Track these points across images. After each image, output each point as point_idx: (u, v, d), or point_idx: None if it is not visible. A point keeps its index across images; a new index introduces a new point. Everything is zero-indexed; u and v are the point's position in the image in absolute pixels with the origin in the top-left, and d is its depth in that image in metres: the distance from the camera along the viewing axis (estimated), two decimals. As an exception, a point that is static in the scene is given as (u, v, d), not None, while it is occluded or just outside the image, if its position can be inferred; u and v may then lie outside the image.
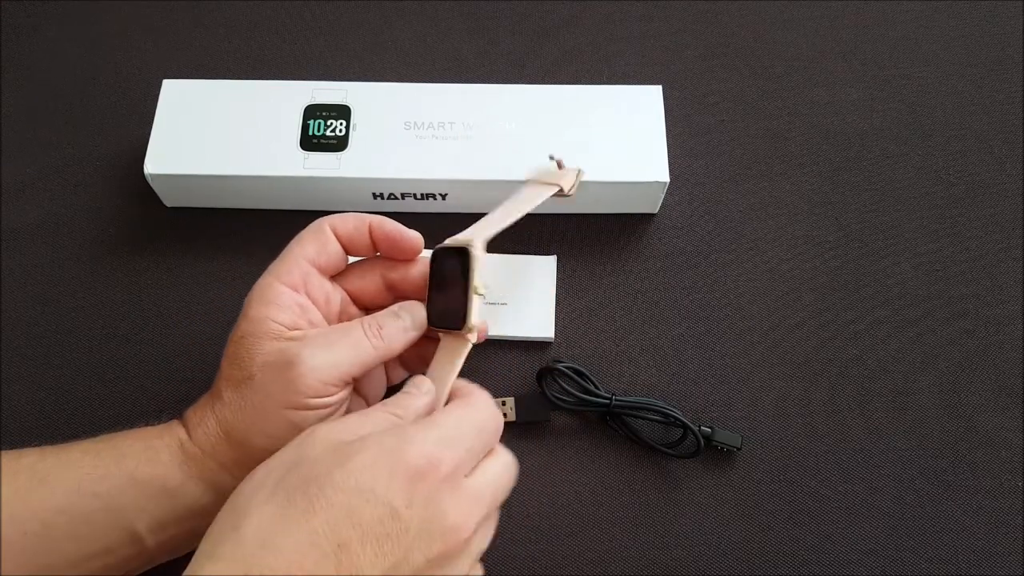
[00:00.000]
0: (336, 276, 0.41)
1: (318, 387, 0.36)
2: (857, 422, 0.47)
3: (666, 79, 0.56)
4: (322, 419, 0.36)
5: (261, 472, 0.32)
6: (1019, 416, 0.48)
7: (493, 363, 0.49)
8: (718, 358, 0.49)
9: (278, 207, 0.52)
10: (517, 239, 0.52)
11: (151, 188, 0.51)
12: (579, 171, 0.47)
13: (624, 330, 0.50)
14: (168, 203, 0.53)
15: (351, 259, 0.41)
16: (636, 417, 0.46)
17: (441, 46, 0.59)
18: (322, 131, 0.50)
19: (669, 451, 0.46)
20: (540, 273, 0.51)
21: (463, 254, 0.39)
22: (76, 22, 0.60)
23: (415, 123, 0.51)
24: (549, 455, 0.47)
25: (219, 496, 0.36)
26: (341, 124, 0.50)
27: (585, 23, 0.60)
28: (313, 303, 0.39)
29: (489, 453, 0.35)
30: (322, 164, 0.49)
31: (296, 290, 0.38)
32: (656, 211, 0.53)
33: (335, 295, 0.40)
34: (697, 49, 0.59)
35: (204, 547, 0.30)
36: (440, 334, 0.40)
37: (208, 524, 0.34)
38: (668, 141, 0.50)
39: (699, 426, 0.45)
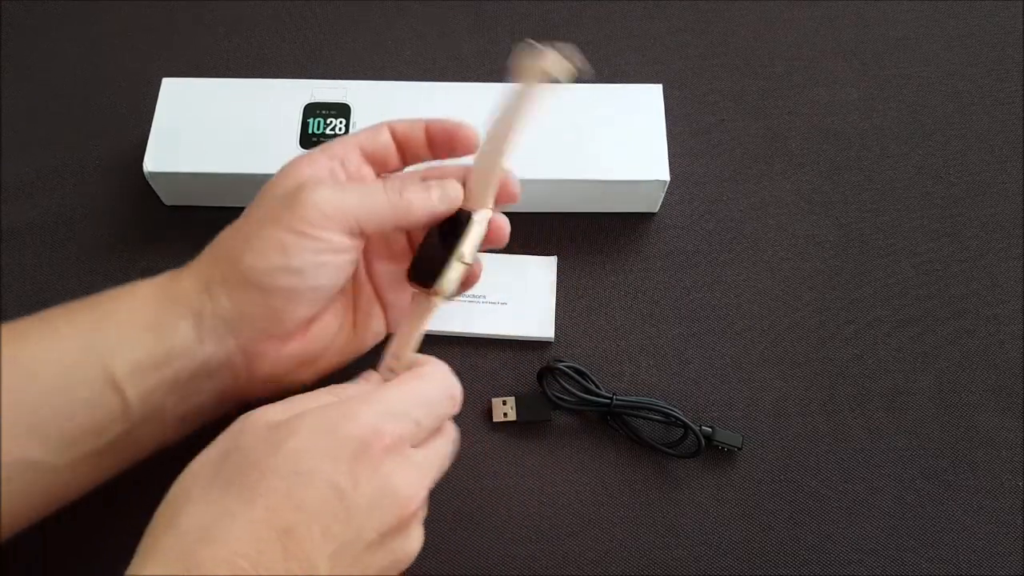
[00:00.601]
0: None
1: (319, 217, 0.34)
2: (857, 421, 0.47)
3: (666, 78, 0.56)
4: (317, 260, 0.35)
5: (197, 463, 0.31)
6: (1019, 416, 0.48)
7: (493, 363, 0.49)
8: (718, 357, 0.49)
9: (278, 206, 0.52)
10: (517, 239, 0.52)
11: (150, 187, 0.51)
12: (570, 51, 0.39)
13: (624, 330, 0.50)
14: (167, 201, 0.52)
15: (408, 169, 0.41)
16: (637, 417, 0.46)
17: (441, 45, 0.59)
18: (322, 129, 0.50)
19: (670, 451, 0.46)
20: (540, 273, 0.50)
21: (460, 218, 0.38)
22: (76, 22, 0.60)
23: (415, 122, 0.50)
24: (549, 455, 0.47)
25: (199, 329, 0.35)
26: (341, 123, 0.50)
27: (585, 22, 0.60)
28: (345, 173, 0.38)
29: (438, 429, 0.35)
30: (322, 163, 0.49)
31: (331, 159, 0.38)
32: (656, 210, 0.53)
33: (369, 174, 0.39)
34: (697, 48, 0.59)
35: (143, 544, 0.29)
36: (413, 292, 0.39)
37: (187, 370, 0.34)
38: (668, 140, 0.50)
39: (700, 426, 0.45)
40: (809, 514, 0.45)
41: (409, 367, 0.36)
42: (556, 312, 0.50)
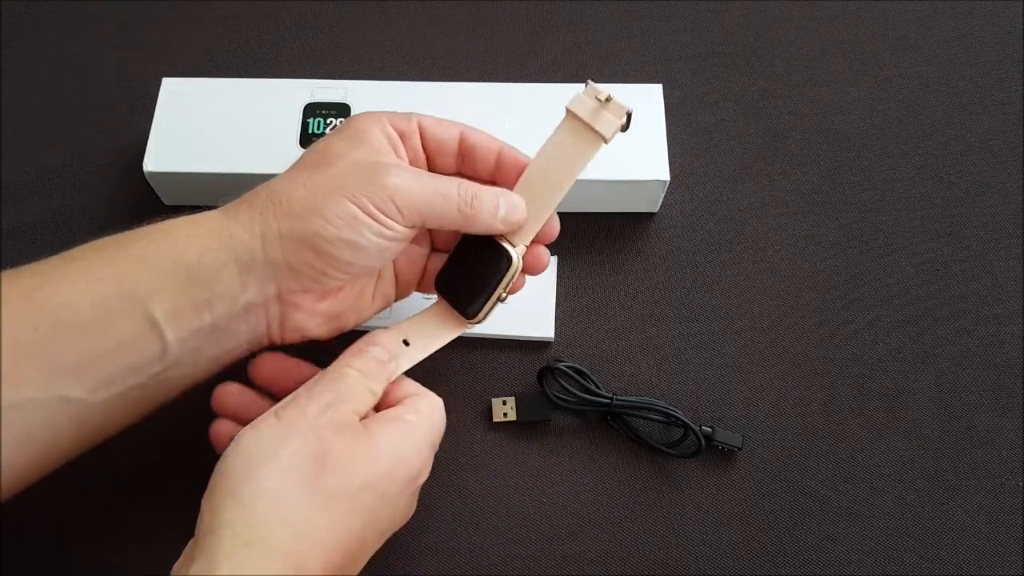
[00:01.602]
0: None
1: (393, 208, 0.35)
2: (857, 421, 0.47)
3: (667, 78, 0.56)
4: (380, 243, 0.36)
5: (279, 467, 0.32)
6: (1019, 416, 0.48)
7: (493, 363, 0.49)
8: (718, 357, 0.49)
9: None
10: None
11: (150, 187, 0.51)
12: (628, 112, 0.39)
13: (624, 329, 0.50)
14: (168, 201, 0.52)
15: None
16: (637, 417, 0.46)
17: (441, 45, 0.59)
18: (322, 129, 0.50)
19: (670, 451, 0.46)
20: (540, 273, 0.50)
21: (504, 256, 0.39)
22: (76, 22, 0.60)
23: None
24: (549, 455, 0.47)
25: (244, 276, 0.35)
26: (341, 122, 0.50)
27: (585, 22, 0.60)
28: (407, 152, 0.40)
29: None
30: (322, 163, 0.49)
31: (396, 130, 0.39)
32: (656, 210, 0.53)
33: (422, 161, 0.41)
34: (697, 48, 0.59)
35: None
36: (439, 300, 0.40)
37: (227, 315, 0.35)
38: (668, 140, 0.50)
39: (700, 426, 0.45)
40: (809, 514, 0.45)
41: (408, 395, 0.38)
42: (556, 312, 0.50)
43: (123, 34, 0.59)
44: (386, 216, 0.36)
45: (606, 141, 0.39)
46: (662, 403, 0.46)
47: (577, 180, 0.49)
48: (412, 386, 0.39)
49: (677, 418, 0.45)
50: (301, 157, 0.38)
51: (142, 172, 0.49)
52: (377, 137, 0.38)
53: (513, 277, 0.40)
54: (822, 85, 0.58)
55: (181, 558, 0.31)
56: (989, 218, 0.53)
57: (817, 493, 0.46)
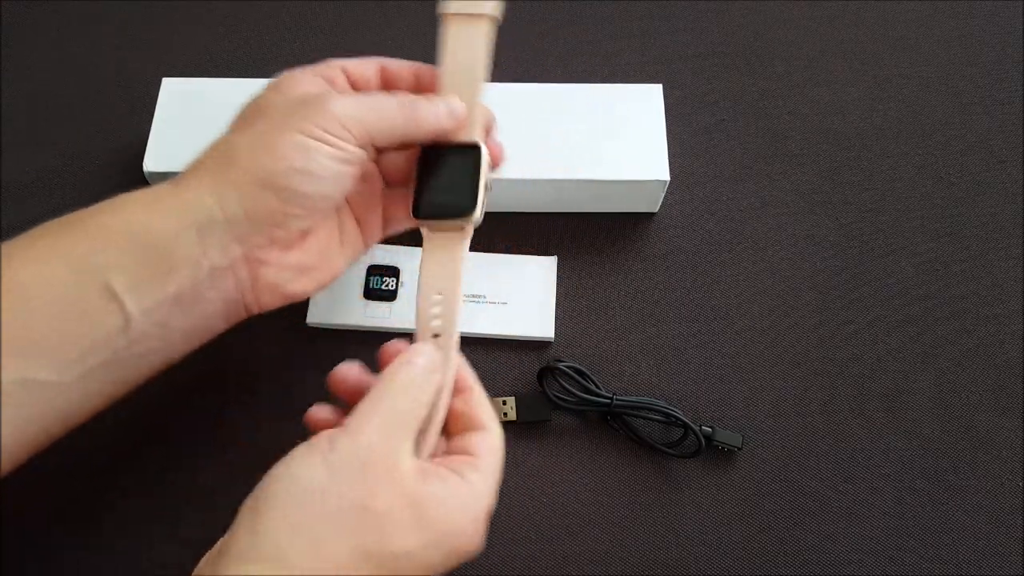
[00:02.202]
0: None
1: (338, 126, 0.35)
2: (857, 421, 0.47)
3: (667, 78, 0.56)
4: (333, 167, 0.35)
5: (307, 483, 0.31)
6: (1019, 416, 0.48)
7: (493, 363, 0.49)
8: (718, 357, 0.49)
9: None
10: (517, 239, 0.52)
11: (151, 186, 0.51)
12: None
13: (624, 330, 0.50)
14: (168, 202, 0.52)
15: None
16: (637, 417, 0.46)
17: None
18: (322, 130, 0.50)
19: (670, 451, 0.46)
20: (540, 273, 0.50)
21: (469, 146, 0.39)
22: (76, 22, 0.60)
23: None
24: (549, 455, 0.47)
25: (203, 239, 0.34)
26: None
27: (586, 22, 0.60)
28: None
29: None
30: (322, 163, 0.49)
31: (322, 77, 0.39)
32: (656, 210, 0.53)
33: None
34: (697, 48, 0.59)
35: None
36: (427, 230, 0.39)
37: (190, 282, 0.34)
38: (668, 140, 0.50)
39: (700, 426, 0.45)
40: (809, 514, 0.45)
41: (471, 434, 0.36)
42: (556, 312, 0.50)
43: (123, 34, 0.59)
44: (336, 138, 0.35)
45: (497, 19, 0.40)
46: (662, 403, 0.46)
47: (577, 180, 0.49)
48: (477, 416, 0.36)
49: (677, 418, 0.45)
50: (235, 118, 0.39)
51: (142, 172, 0.49)
52: (309, 79, 0.39)
53: (487, 162, 0.39)
54: (822, 85, 0.58)
55: (207, 555, 0.31)
56: (989, 218, 0.53)
57: (817, 493, 0.46)
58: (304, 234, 0.38)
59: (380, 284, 0.49)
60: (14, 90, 0.57)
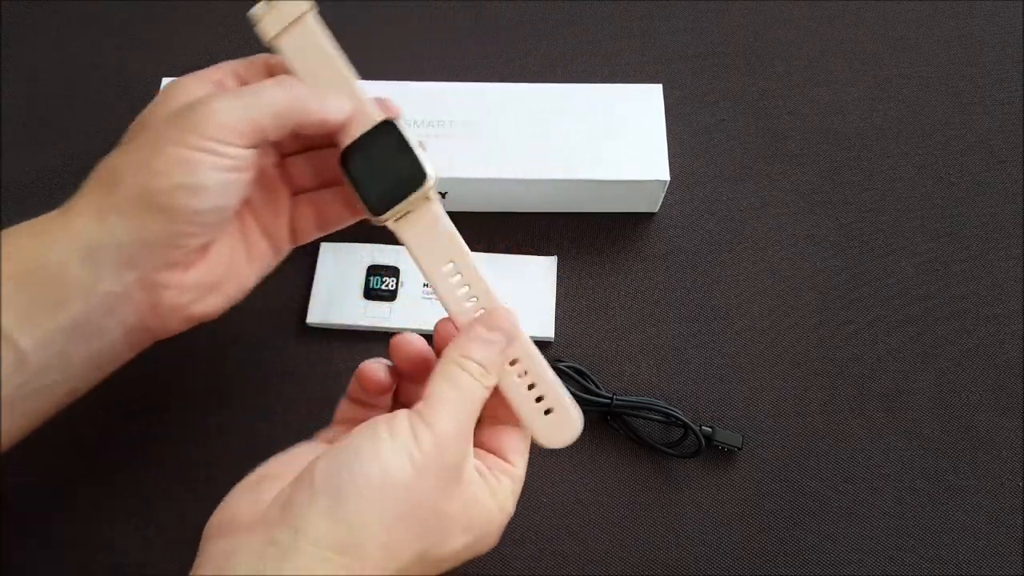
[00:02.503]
0: None
1: (220, 130, 0.33)
2: (857, 421, 0.47)
3: (667, 78, 0.56)
4: (220, 176, 0.33)
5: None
6: (1019, 416, 0.48)
7: (493, 362, 0.49)
8: (718, 357, 0.49)
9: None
10: (517, 239, 0.52)
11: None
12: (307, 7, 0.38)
13: (624, 330, 0.50)
14: (168, 202, 0.52)
15: None
16: (637, 417, 0.46)
17: (441, 44, 0.59)
18: (322, 130, 0.50)
19: (670, 451, 0.46)
20: (540, 273, 0.50)
21: (382, 121, 0.37)
22: (76, 22, 0.60)
23: (415, 121, 0.50)
24: (549, 455, 0.46)
25: (93, 266, 0.33)
26: None
27: (586, 22, 0.60)
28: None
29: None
30: (322, 163, 0.49)
31: (209, 81, 0.37)
32: (656, 210, 0.53)
33: None
34: (697, 48, 0.59)
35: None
36: (394, 221, 0.37)
37: (84, 312, 0.32)
38: (668, 140, 0.50)
39: (700, 426, 0.45)
40: (809, 514, 0.45)
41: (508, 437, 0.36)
42: (556, 312, 0.50)
43: (123, 34, 0.59)
44: (219, 143, 0.33)
45: (313, 5, 0.38)
46: (662, 403, 0.46)
47: (577, 180, 0.50)
48: (502, 407, 0.36)
49: (677, 418, 0.45)
50: (125, 134, 0.37)
51: (142, 172, 0.49)
52: (194, 86, 0.37)
53: (404, 126, 0.37)
54: (822, 85, 0.58)
55: (253, 503, 0.31)
56: (989, 218, 0.53)
57: (817, 493, 0.46)
58: (203, 250, 0.36)
59: (380, 284, 0.49)
60: (14, 90, 0.57)
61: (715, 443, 0.46)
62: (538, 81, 0.53)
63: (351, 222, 0.41)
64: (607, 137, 0.50)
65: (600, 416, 0.47)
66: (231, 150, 0.33)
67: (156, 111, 0.36)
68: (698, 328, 0.50)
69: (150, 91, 0.52)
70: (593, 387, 0.46)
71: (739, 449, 0.46)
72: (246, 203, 0.38)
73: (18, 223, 0.35)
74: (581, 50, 0.59)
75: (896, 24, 0.60)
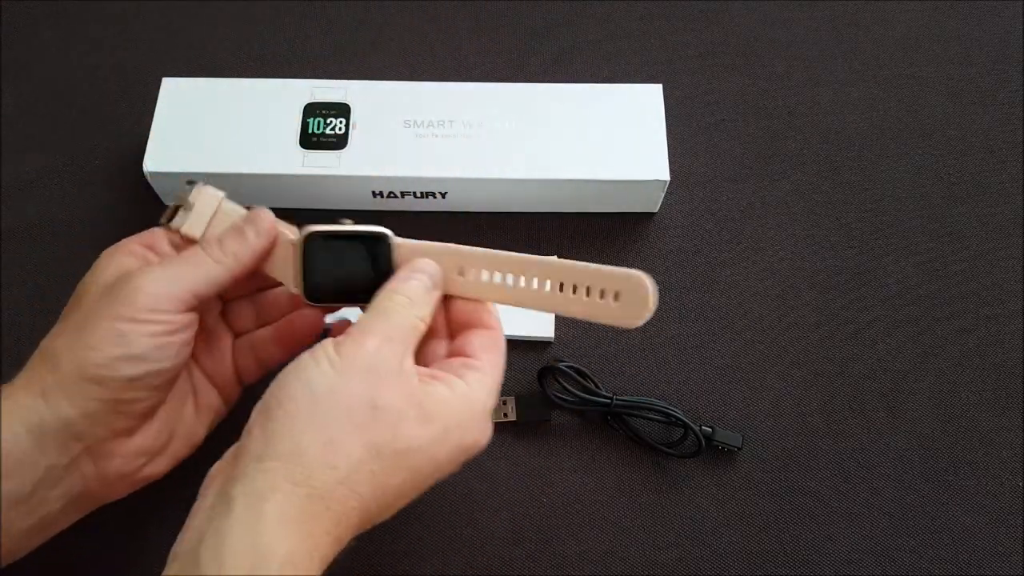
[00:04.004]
0: None
1: (151, 300, 0.34)
2: (857, 421, 0.47)
3: (666, 78, 0.56)
4: (156, 342, 0.34)
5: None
6: (1019, 415, 0.48)
7: (493, 362, 0.49)
8: (718, 357, 0.49)
9: (277, 205, 0.51)
10: (517, 239, 0.52)
11: (150, 187, 0.51)
12: (220, 199, 0.39)
13: (624, 329, 0.50)
14: (168, 202, 0.52)
15: None
16: (637, 417, 0.46)
17: (441, 44, 0.59)
18: (322, 129, 0.50)
19: (670, 451, 0.46)
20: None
21: (380, 240, 0.37)
22: (76, 22, 0.60)
23: (415, 121, 0.50)
24: (549, 455, 0.47)
25: (39, 440, 0.33)
26: (341, 122, 0.50)
27: (585, 21, 0.60)
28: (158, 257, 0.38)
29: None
30: (322, 162, 0.49)
31: (140, 247, 0.38)
32: (656, 210, 0.53)
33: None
34: (697, 48, 0.59)
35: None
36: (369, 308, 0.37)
37: (30, 483, 0.33)
38: (668, 140, 0.50)
39: (700, 426, 0.45)
40: (809, 514, 0.45)
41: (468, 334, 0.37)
42: (556, 312, 0.50)
43: (123, 33, 0.59)
44: (150, 311, 0.34)
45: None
46: (662, 403, 0.46)
47: (577, 180, 0.50)
48: (477, 314, 0.37)
49: (677, 418, 0.45)
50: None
51: (142, 172, 0.49)
52: (124, 256, 0.37)
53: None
54: (822, 85, 0.58)
55: (220, 463, 0.32)
56: (989, 218, 0.53)
57: (817, 493, 0.46)
58: (149, 414, 0.37)
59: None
60: (14, 90, 0.57)
61: (715, 443, 0.46)
62: (538, 81, 0.53)
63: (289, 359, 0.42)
64: (607, 137, 0.50)
65: (600, 416, 0.47)
66: (163, 316, 0.35)
67: (88, 285, 0.36)
68: (698, 328, 0.50)
69: (150, 91, 0.52)
70: (593, 387, 0.46)
71: (739, 449, 0.46)
72: (191, 356, 0.39)
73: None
74: (581, 50, 0.59)
75: (896, 24, 0.60)
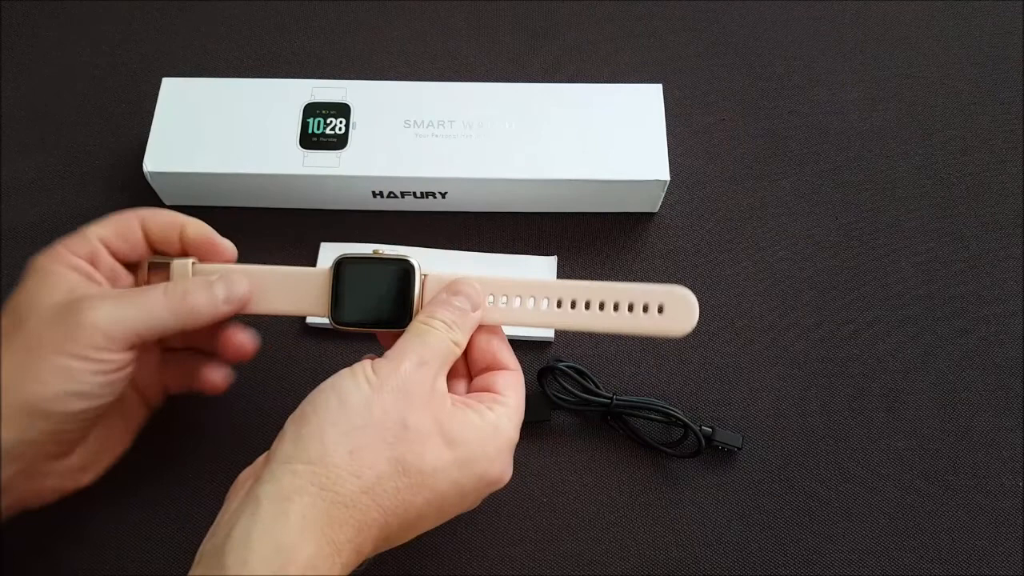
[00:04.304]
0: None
1: (102, 339, 0.34)
2: (857, 421, 0.47)
3: (666, 78, 0.56)
4: (102, 380, 0.34)
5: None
6: (1019, 416, 0.48)
7: (493, 362, 0.49)
8: (718, 357, 0.49)
9: (278, 205, 0.52)
10: (517, 239, 0.52)
11: (150, 187, 0.51)
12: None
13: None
14: (168, 201, 0.52)
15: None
16: (637, 416, 0.46)
17: (441, 44, 0.59)
18: (322, 129, 0.50)
19: (670, 451, 0.46)
20: (540, 273, 0.50)
21: (404, 266, 0.38)
22: (76, 22, 0.60)
23: (415, 121, 0.50)
24: (549, 455, 0.47)
25: None
26: (341, 122, 0.50)
27: (585, 21, 0.60)
28: (101, 274, 0.38)
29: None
30: (322, 162, 0.49)
31: (80, 258, 0.37)
32: (656, 210, 0.53)
33: (127, 280, 0.39)
34: (697, 48, 0.59)
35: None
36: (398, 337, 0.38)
37: None
38: (668, 140, 0.50)
39: (700, 426, 0.45)
40: (809, 514, 0.45)
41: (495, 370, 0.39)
42: (556, 312, 0.50)
43: (123, 33, 0.59)
44: (99, 351, 0.34)
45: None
46: (662, 403, 0.46)
47: (577, 180, 0.50)
48: (499, 356, 0.38)
49: (677, 418, 0.45)
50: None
51: (142, 172, 0.49)
52: (62, 273, 0.36)
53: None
54: (822, 85, 0.58)
55: (249, 469, 0.34)
56: (989, 218, 0.53)
57: (817, 493, 0.46)
58: (84, 437, 0.37)
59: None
60: (14, 90, 0.57)
61: (715, 443, 0.46)
62: (538, 81, 0.53)
63: (222, 387, 0.42)
64: (607, 137, 0.50)
65: (600, 416, 0.47)
66: (112, 355, 0.35)
67: (34, 305, 0.35)
68: (698, 328, 0.50)
69: (150, 91, 0.52)
70: (593, 387, 0.46)
71: (739, 449, 0.46)
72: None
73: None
74: (581, 50, 0.59)
75: (896, 24, 0.60)
